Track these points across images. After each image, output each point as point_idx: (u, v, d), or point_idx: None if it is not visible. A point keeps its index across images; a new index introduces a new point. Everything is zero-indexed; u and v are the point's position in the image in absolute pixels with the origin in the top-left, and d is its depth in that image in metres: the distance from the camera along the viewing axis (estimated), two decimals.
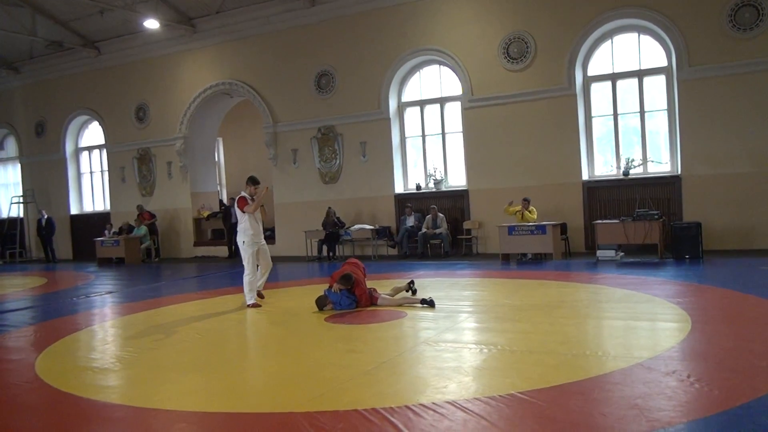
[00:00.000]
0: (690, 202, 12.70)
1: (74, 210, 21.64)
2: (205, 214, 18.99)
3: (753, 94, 12.06)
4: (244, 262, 8.75)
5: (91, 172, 21.79)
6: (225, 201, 20.42)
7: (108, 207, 20.87)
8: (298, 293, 10.06)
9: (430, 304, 7.90)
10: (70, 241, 21.55)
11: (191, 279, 13.60)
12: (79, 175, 21.83)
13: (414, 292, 8.63)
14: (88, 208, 21.86)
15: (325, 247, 15.61)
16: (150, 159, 19.44)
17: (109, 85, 20.01)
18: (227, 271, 14.60)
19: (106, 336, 7.80)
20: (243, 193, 8.84)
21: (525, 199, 13.19)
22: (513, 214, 13.20)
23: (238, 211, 8.78)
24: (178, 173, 18.94)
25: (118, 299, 10.82)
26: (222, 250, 18.28)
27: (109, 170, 20.66)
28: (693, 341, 5.56)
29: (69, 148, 21.51)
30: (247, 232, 8.71)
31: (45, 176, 21.85)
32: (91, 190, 21.85)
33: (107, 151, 20.58)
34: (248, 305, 8.68)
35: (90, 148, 21.64)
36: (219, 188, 21.14)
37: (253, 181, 8.93)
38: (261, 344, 6.68)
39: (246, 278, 8.73)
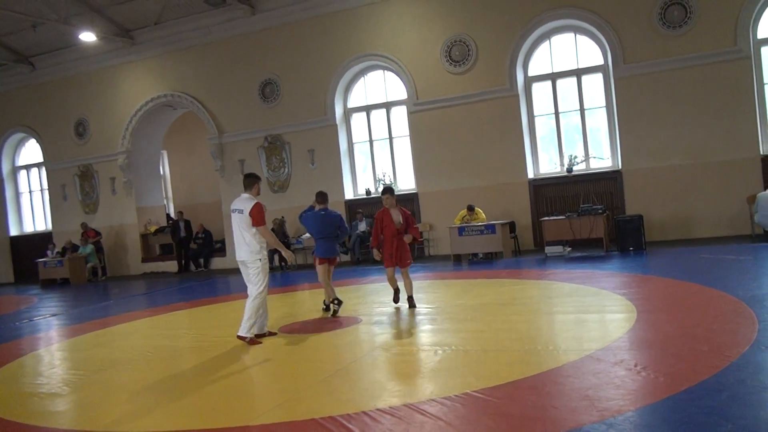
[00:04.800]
0: (631, 196, 13.09)
1: (14, 231, 20.88)
2: (153, 229, 18.60)
3: (685, 88, 12.52)
4: (259, 283, 6.93)
5: (30, 192, 21.08)
6: (172, 215, 20.04)
7: (50, 226, 20.22)
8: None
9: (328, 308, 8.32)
10: (11, 264, 20.77)
11: (140, 296, 13.30)
12: (17, 194, 21.09)
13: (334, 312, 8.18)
14: (28, 228, 21.13)
15: (276, 257, 15.47)
16: (92, 175, 18.93)
17: (45, 101, 19.40)
18: (177, 286, 14.33)
19: (53, 360, 7.56)
20: (249, 197, 7.04)
21: (469, 207, 13.30)
22: (461, 221, 13.29)
23: (246, 222, 6.89)
24: (122, 189, 18.49)
25: (64, 321, 10.49)
26: (171, 265, 17.92)
27: (49, 189, 20.01)
28: (639, 330, 5.74)
29: (5, 167, 20.77)
30: (262, 245, 6.96)
31: None
32: (31, 210, 21.13)
33: (47, 169, 19.92)
34: (246, 339, 6.88)
35: (28, 167, 20.93)
36: (165, 202, 20.74)
37: (257, 177, 7.23)
38: (214, 359, 6.58)
39: (255, 302, 6.90)
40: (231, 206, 7.23)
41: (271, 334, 7.25)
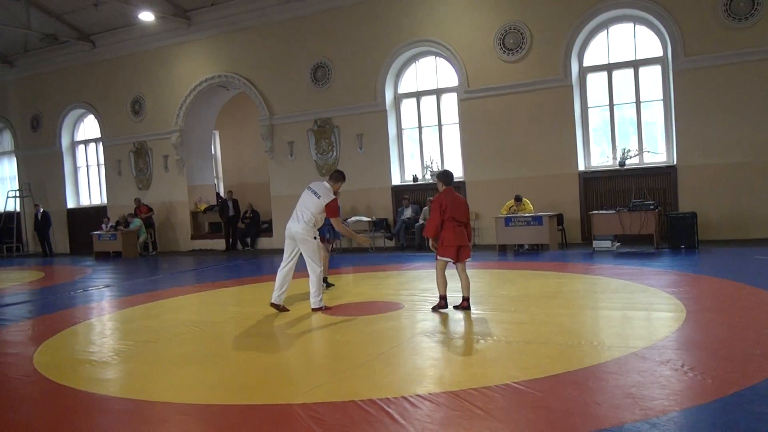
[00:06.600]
0: (685, 192, 12.73)
1: (71, 204, 21.62)
2: (202, 207, 18.98)
3: (748, 83, 12.06)
4: (315, 258, 7.55)
5: (87, 166, 21.75)
6: (222, 194, 20.42)
7: (105, 201, 20.86)
8: (294, 285, 10.06)
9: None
10: (67, 235, 21.54)
11: (189, 272, 13.61)
12: (75, 168, 21.80)
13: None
14: (84, 201, 21.84)
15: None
16: (146, 152, 19.40)
17: (104, 78, 19.95)
18: (224, 264, 14.62)
19: (104, 329, 7.83)
20: (330, 189, 7.62)
21: (517, 198, 13.12)
22: (508, 212, 13.15)
23: (315, 204, 7.49)
24: (175, 166, 18.91)
25: (116, 293, 10.83)
26: (219, 243, 18.28)
27: (105, 164, 20.62)
28: (687, 330, 5.60)
29: (65, 141, 21.47)
30: (317, 226, 7.64)
31: (41, 170, 21.82)
32: (87, 184, 21.82)
33: (103, 145, 20.52)
34: (321, 309, 7.62)
35: (86, 142, 21.59)
36: (216, 181, 21.13)
37: (344, 177, 7.91)
38: (258, 336, 6.71)
39: (317, 277, 7.61)
40: (309, 185, 7.79)
41: (284, 309, 7.76)
